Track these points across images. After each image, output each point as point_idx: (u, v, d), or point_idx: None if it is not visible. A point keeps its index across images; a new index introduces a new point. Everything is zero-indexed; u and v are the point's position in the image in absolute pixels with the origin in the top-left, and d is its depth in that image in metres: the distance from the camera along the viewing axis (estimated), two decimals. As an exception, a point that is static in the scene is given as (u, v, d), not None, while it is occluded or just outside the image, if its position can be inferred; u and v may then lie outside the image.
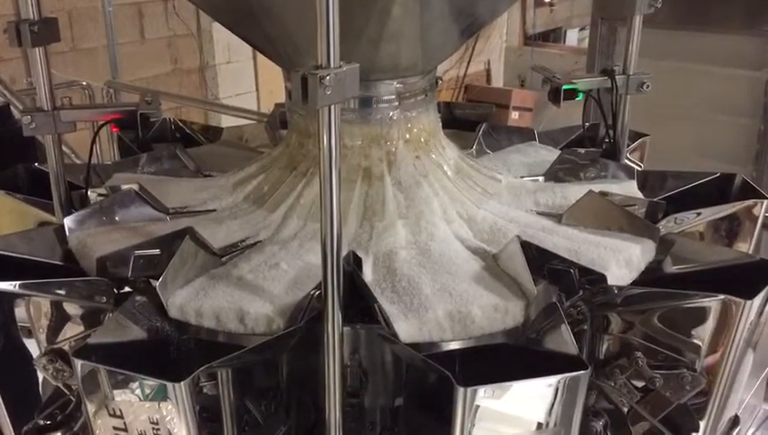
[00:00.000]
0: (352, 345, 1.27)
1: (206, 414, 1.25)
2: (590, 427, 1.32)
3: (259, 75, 5.46)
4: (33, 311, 1.32)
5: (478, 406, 0.95)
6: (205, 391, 1.25)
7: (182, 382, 0.92)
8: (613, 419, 1.39)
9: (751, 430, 3.33)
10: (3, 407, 1.28)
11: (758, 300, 1.11)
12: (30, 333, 1.39)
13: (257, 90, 5.50)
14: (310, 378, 1.21)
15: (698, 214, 1.42)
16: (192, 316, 1.14)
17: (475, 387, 0.92)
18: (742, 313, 1.09)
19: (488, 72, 7.67)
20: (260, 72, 5.43)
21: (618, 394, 1.37)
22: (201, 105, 4.58)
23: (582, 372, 0.95)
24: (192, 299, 1.16)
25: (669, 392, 1.35)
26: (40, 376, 1.42)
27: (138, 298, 1.13)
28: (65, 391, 1.37)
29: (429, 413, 1.25)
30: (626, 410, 1.38)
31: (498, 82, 7.71)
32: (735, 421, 1.32)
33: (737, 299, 1.09)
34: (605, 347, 1.37)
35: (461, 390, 0.92)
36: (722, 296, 1.10)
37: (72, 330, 1.29)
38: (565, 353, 1.01)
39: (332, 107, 0.96)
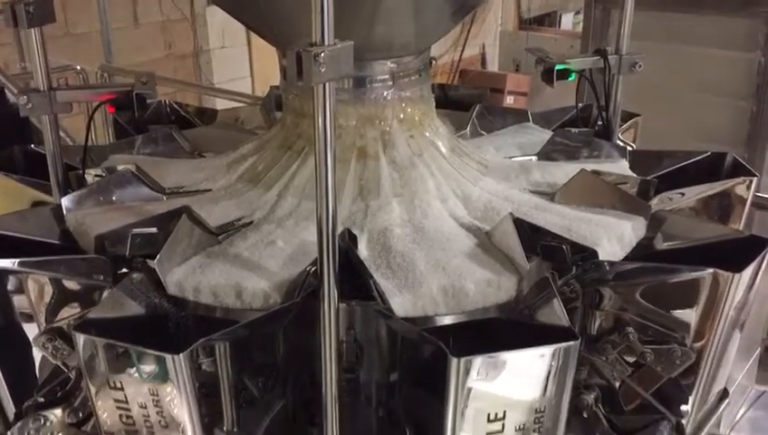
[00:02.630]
0: (348, 321, 1.29)
1: (204, 390, 1.27)
2: (581, 400, 1.34)
3: (254, 61, 5.43)
4: (31, 290, 1.34)
5: (471, 388, 0.98)
6: (204, 368, 1.27)
7: (181, 354, 0.94)
8: (605, 394, 1.41)
9: (742, 410, 3.37)
10: (3, 383, 1.30)
11: (746, 273, 1.13)
12: (30, 317, 1.41)
13: (252, 75, 5.47)
14: (306, 354, 1.22)
15: (689, 192, 1.44)
16: (190, 293, 1.16)
17: (468, 357, 0.94)
18: (730, 286, 1.11)
19: (483, 56, 7.66)
20: (255, 57, 5.41)
21: (609, 369, 1.39)
22: (195, 89, 4.57)
23: (573, 342, 0.97)
24: (189, 276, 1.17)
25: (660, 367, 1.37)
26: (37, 357, 1.44)
27: (135, 275, 1.15)
28: (64, 369, 1.39)
29: (425, 388, 1.27)
30: (617, 385, 1.41)
31: (493, 66, 7.70)
32: (724, 395, 1.34)
33: (726, 272, 1.11)
34: (597, 323, 1.39)
35: (455, 360, 0.94)
36: (710, 270, 1.12)
37: (70, 309, 1.31)
38: (557, 326, 1.03)
39: (327, 85, 0.97)
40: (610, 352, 1.39)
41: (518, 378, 0.98)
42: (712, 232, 1.28)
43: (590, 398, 1.33)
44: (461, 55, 7.00)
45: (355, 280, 1.18)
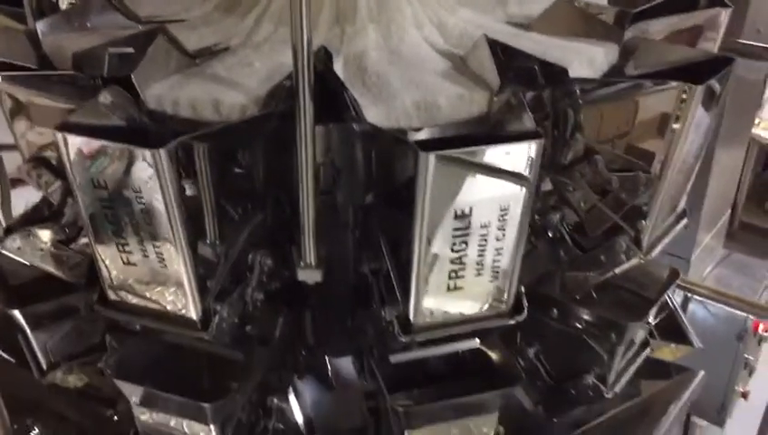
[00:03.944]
0: (325, 144, 1.33)
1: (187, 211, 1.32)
2: (548, 220, 1.42)
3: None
4: (13, 114, 1.36)
5: (438, 185, 1.02)
6: (187, 193, 1.31)
7: (162, 149, 0.97)
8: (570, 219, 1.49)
9: (708, 268, 3.53)
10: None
11: (709, 87, 1.16)
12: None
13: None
14: (285, 178, 1.27)
15: (663, 22, 1.45)
16: (169, 106, 1.18)
17: (436, 152, 0.98)
18: (693, 98, 1.15)
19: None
20: None
21: (577, 197, 1.46)
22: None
23: (538, 140, 1.01)
24: (168, 91, 1.19)
25: (624, 194, 1.44)
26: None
27: (115, 87, 1.16)
28: (50, 199, 1.43)
29: (399, 207, 1.33)
30: (584, 213, 1.48)
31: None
32: (682, 215, 1.41)
33: (687, 84, 1.14)
34: (565, 152, 1.44)
35: (423, 155, 0.98)
36: (674, 83, 1.16)
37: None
38: (524, 131, 1.06)
39: None
40: (579, 180, 1.45)
41: (484, 176, 1.02)
42: (682, 55, 1.30)
43: (555, 217, 1.40)
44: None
45: (332, 104, 1.20)
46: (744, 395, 3.37)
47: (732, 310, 3.07)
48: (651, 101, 1.28)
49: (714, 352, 3.06)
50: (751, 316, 3.07)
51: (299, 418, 1.73)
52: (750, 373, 3.39)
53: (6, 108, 1.40)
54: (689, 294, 3.06)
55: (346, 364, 1.71)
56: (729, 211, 3.72)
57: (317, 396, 1.74)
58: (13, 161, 1.52)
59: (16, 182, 1.56)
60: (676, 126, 1.23)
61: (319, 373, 1.75)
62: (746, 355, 3.24)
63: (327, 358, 1.68)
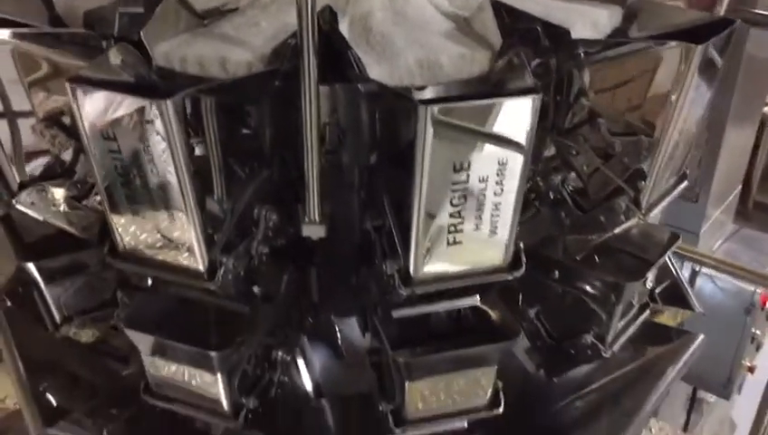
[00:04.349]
0: (331, 104, 1.35)
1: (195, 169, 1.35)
2: (549, 181, 1.44)
3: None
4: (25, 71, 1.39)
5: (437, 138, 1.04)
6: (196, 152, 1.35)
7: (168, 100, 1.00)
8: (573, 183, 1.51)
9: (718, 242, 3.53)
10: (4, 154, 1.37)
11: (710, 47, 1.18)
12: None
13: None
14: (291, 138, 1.29)
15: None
16: (177, 63, 1.21)
17: (435, 105, 1.01)
18: (693, 58, 1.16)
19: None
20: None
21: (580, 160, 1.48)
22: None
23: (536, 95, 1.03)
24: (176, 48, 1.22)
25: (627, 158, 1.46)
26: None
27: (124, 45, 1.19)
28: (62, 158, 1.47)
29: (403, 167, 1.35)
30: (586, 177, 1.49)
31: None
32: (682, 177, 1.43)
33: (688, 44, 1.16)
34: (569, 115, 1.46)
35: (421, 108, 1.01)
36: (674, 43, 1.17)
37: (65, 97, 1.37)
38: (524, 87, 1.08)
39: None
40: (582, 144, 1.47)
41: (482, 131, 1.05)
42: (686, 17, 1.31)
43: (557, 178, 1.42)
44: None
45: (337, 64, 1.23)
46: (751, 369, 3.39)
47: (740, 284, 3.08)
48: (654, 64, 1.29)
49: (721, 326, 3.09)
50: (759, 290, 3.07)
51: (308, 384, 1.78)
52: (757, 348, 3.41)
53: (21, 69, 1.44)
54: (697, 268, 3.07)
55: (356, 333, 1.75)
56: (740, 187, 3.71)
57: (326, 362, 1.79)
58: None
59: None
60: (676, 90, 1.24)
61: (329, 340, 1.80)
62: (754, 329, 3.26)
63: (336, 326, 1.72)
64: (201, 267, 1.20)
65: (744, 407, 3.61)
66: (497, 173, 1.09)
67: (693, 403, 3.70)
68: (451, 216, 1.12)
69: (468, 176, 1.08)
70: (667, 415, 3.46)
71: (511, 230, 1.17)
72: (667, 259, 1.75)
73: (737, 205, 3.86)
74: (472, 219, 1.13)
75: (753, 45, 3.21)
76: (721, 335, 3.08)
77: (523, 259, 1.22)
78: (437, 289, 1.21)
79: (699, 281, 3.22)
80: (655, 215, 1.41)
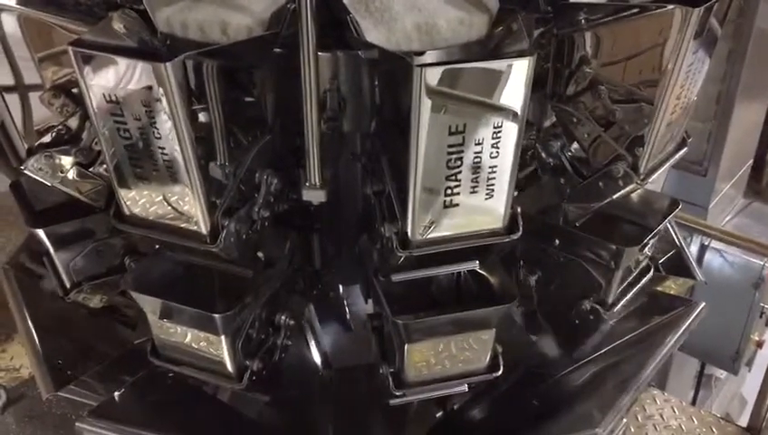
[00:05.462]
0: (331, 72, 1.36)
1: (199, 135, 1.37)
2: (548, 147, 1.45)
3: None
4: (33, 42, 1.41)
5: (432, 100, 1.05)
6: (200, 120, 1.36)
7: (168, 63, 1.02)
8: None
9: (727, 217, 3.52)
10: (13, 124, 1.40)
11: (708, 12, 1.17)
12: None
13: None
14: (292, 106, 1.31)
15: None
16: (178, 28, 1.22)
17: (431, 67, 1.02)
18: (690, 21, 1.16)
19: None
20: None
21: (581, 128, 1.48)
22: None
23: (530, 57, 1.04)
24: (177, 13, 1.23)
25: (627, 125, 1.46)
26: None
27: (127, 10, 1.21)
28: (68, 126, 1.49)
29: (401, 132, 1.37)
30: (587, 144, 1.50)
31: None
32: (681, 144, 1.43)
33: (685, 7, 1.16)
34: (571, 83, 1.46)
35: (417, 70, 1.02)
36: (672, 6, 1.17)
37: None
38: (519, 50, 1.09)
39: None
40: (582, 110, 1.47)
41: (477, 92, 1.06)
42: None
43: (556, 145, 1.43)
44: None
45: (337, 32, 1.24)
46: (760, 344, 3.38)
47: (748, 258, 3.07)
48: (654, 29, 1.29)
49: (730, 301, 3.09)
50: (767, 264, 3.06)
51: (316, 356, 1.81)
52: (766, 323, 3.40)
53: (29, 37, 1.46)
54: (706, 242, 3.07)
55: (362, 305, 1.78)
56: (751, 161, 3.69)
57: (334, 335, 1.82)
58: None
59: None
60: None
61: (337, 312, 1.83)
62: (762, 304, 3.25)
63: (345, 301, 1.75)
64: (204, 230, 1.22)
65: (754, 383, 3.61)
66: (493, 136, 1.10)
67: (700, 378, 3.70)
68: (447, 178, 1.14)
69: (464, 139, 1.09)
70: (676, 390, 3.47)
71: (508, 193, 1.18)
72: (670, 230, 1.76)
73: (751, 181, 3.84)
74: (468, 182, 1.14)
75: (762, 19, 3.18)
76: (729, 309, 3.08)
77: (520, 223, 1.23)
78: (435, 251, 1.23)
79: (708, 255, 3.22)
80: (662, 187, 1.42)
